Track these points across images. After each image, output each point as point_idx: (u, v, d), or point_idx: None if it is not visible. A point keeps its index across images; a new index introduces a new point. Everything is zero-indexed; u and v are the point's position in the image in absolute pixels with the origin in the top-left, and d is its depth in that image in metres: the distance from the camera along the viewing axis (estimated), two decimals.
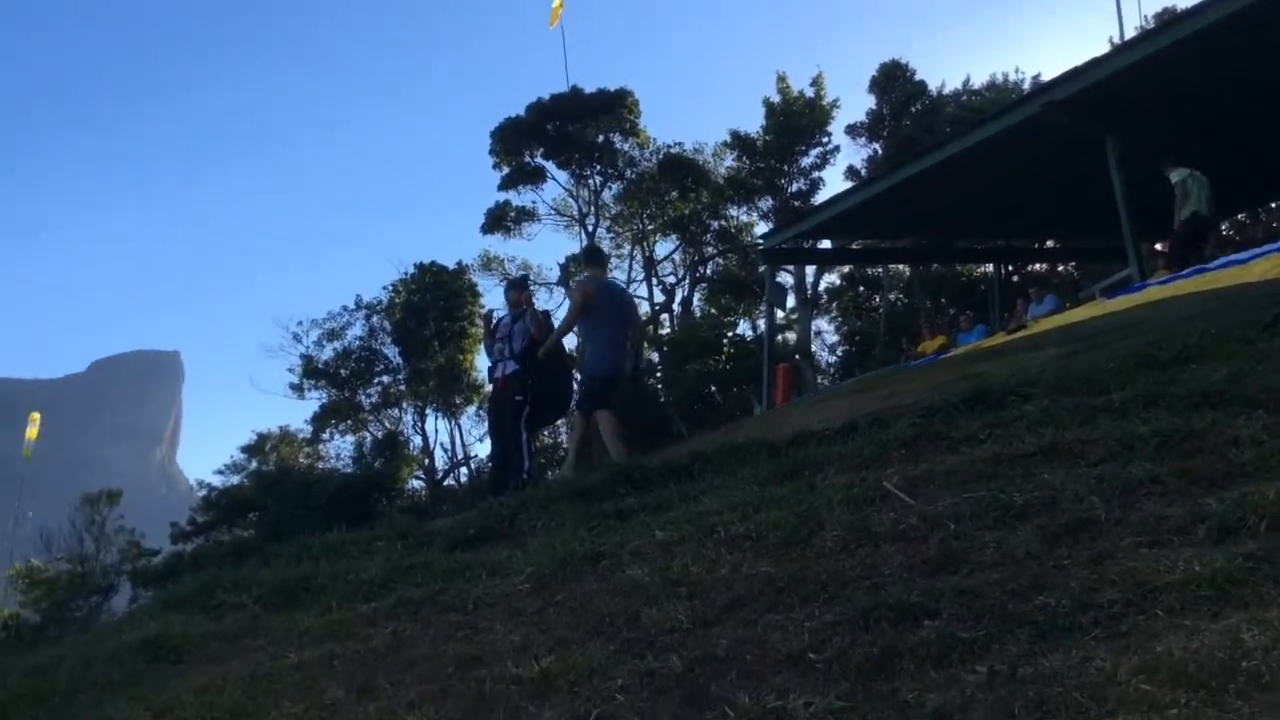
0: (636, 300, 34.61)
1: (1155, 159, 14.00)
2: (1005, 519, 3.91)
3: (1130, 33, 24.09)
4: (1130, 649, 2.67)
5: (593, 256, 12.11)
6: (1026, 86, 32.04)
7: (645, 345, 9.48)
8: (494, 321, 11.07)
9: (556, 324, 10.04)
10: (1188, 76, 14.19)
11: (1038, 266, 29.35)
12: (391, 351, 30.95)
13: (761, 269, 32.23)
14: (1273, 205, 26.75)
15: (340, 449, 31.73)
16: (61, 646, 6.00)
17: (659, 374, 29.68)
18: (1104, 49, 22.11)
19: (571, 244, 35.41)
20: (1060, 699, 2.48)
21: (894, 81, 32.36)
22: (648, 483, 6.10)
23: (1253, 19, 12.31)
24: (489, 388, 10.69)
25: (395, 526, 7.13)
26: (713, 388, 26.21)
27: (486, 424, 10.91)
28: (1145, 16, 34.22)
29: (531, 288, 13.66)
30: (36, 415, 22.91)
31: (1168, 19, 20.50)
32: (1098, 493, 3.92)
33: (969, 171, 16.67)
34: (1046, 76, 27.61)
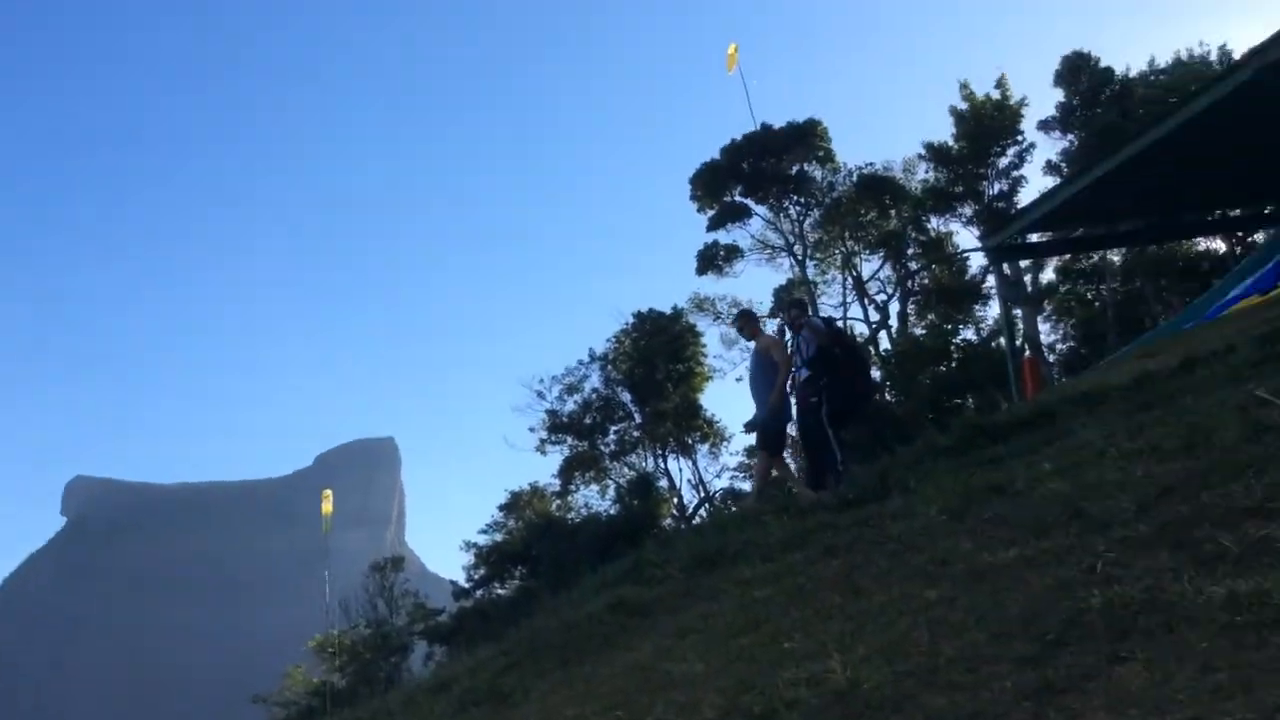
0: (846, 323, 35.49)
1: None
2: None
3: None
4: None
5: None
6: (1213, 57, 31.77)
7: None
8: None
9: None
10: None
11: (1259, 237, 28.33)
12: (627, 398, 32.51)
13: (973, 273, 32.60)
14: None
15: (587, 498, 33.45)
16: (542, 617, 7.15)
17: (890, 389, 29.99)
18: None
19: (778, 276, 36.19)
20: None
21: (1079, 72, 32.51)
22: (1001, 436, 6.80)
23: None
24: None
25: (774, 500, 8.02)
26: (947, 395, 26.33)
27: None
28: None
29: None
30: (329, 492, 25.33)
31: None
32: None
33: (1195, 142, 16.50)
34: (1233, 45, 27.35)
